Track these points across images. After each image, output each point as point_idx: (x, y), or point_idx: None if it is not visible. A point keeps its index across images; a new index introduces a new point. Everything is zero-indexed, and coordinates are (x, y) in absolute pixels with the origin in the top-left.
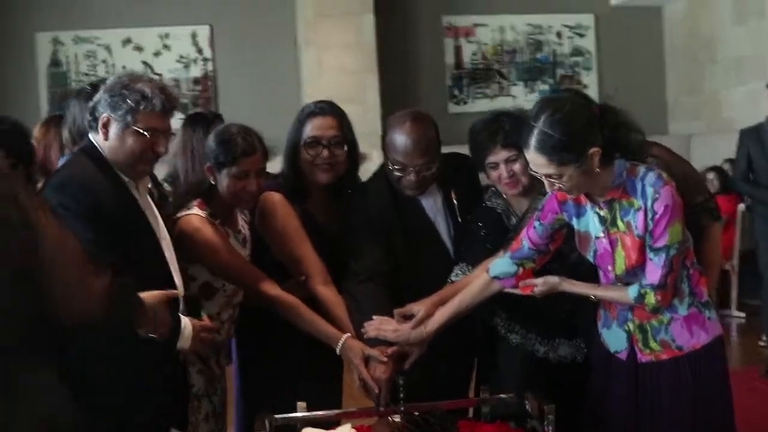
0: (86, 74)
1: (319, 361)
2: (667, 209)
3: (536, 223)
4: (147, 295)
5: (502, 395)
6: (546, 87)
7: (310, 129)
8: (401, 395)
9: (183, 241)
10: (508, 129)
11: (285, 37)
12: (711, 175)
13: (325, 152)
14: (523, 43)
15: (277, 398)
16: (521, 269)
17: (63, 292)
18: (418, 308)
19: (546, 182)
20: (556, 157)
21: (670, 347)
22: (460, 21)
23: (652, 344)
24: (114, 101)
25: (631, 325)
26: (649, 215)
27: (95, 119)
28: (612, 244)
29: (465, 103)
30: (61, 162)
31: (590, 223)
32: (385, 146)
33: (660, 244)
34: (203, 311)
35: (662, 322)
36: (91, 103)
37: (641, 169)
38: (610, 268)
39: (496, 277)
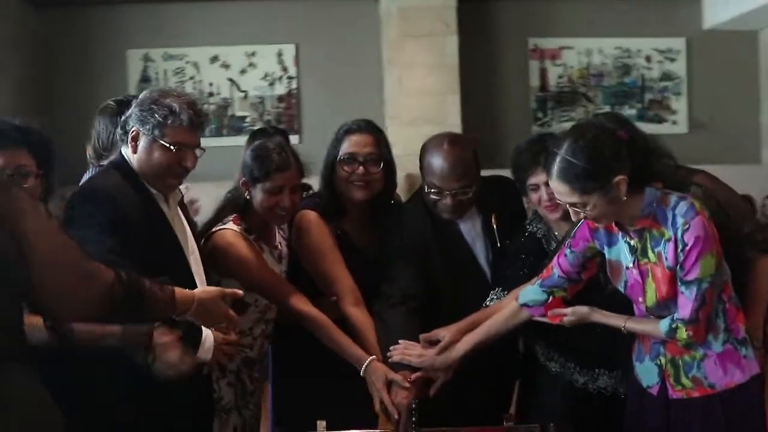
0: None
1: (352, 382)
2: (699, 240)
3: (567, 251)
4: (202, 291)
5: (522, 425)
6: (633, 111)
7: (347, 146)
8: (413, 419)
9: (216, 255)
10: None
11: (369, 57)
12: None
13: (361, 169)
14: (611, 67)
15: (307, 415)
16: (551, 297)
17: (55, 297)
18: (444, 334)
19: (571, 211)
20: (579, 185)
21: (702, 385)
22: (547, 43)
23: (684, 380)
24: (143, 115)
25: (663, 360)
26: (680, 246)
27: (126, 133)
28: (642, 275)
29: (549, 125)
30: (85, 177)
31: (621, 252)
32: (422, 169)
33: (691, 277)
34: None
35: (695, 358)
36: (123, 117)
37: (673, 197)
38: (641, 299)
39: (525, 305)
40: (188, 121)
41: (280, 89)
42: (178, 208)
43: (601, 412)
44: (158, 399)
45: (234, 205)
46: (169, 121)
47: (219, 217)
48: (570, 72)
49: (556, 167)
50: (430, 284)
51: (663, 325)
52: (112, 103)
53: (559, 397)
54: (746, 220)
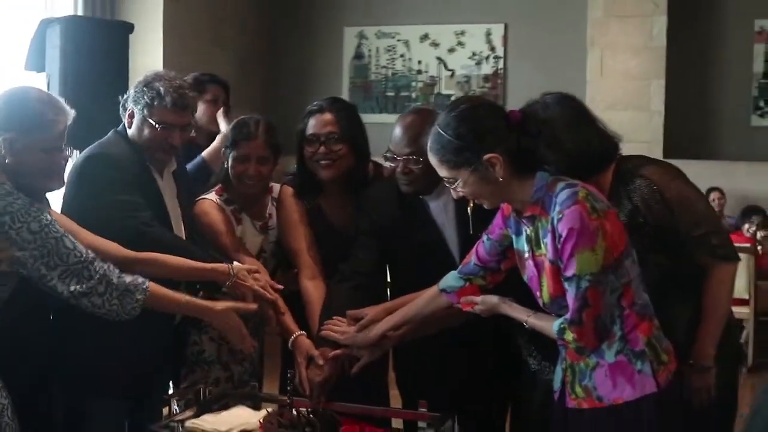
0: (385, 67)
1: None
2: (573, 233)
3: (485, 238)
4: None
5: (424, 410)
6: None
7: (309, 126)
8: (288, 388)
9: (195, 221)
10: None
11: (576, 38)
12: None
13: (322, 148)
14: None
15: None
16: (467, 284)
17: None
18: (370, 312)
19: (452, 190)
20: (446, 159)
21: (591, 396)
22: None
23: (578, 389)
24: (137, 96)
25: (564, 364)
26: (556, 237)
27: (125, 109)
28: (538, 267)
29: None
30: None
31: (523, 242)
32: None
33: (569, 273)
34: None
35: (588, 366)
36: (124, 96)
37: (561, 184)
38: (538, 294)
39: (443, 290)
40: (171, 103)
41: (487, 69)
42: (172, 178)
43: None
44: (127, 344)
45: (222, 177)
46: (155, 103)
47: (208, 186)
48: None
49: (430, 139)
50: (395, 264)
51: (555, 325)
52: (188, 79)
53: (535, 394)
54: (700, 221)
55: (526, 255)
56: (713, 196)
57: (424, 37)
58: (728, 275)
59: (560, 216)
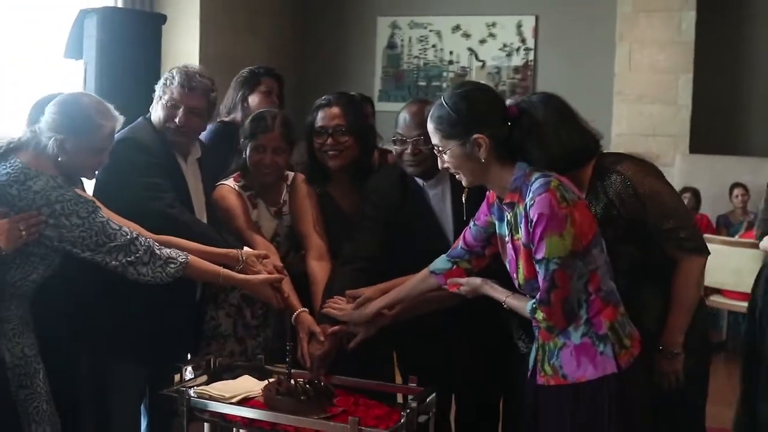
0: (416, 57)
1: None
2: (542, 218)
3: (472, 224)
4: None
5: (413, 385)
6: None
7: (318, 119)
8: (287, 358)
9: (213, 204)
10: None
11: (605, 32)
12: None
13: (330, 140)
14: None
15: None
16: (454, 267)
17: None
18: (366, 291)
19: (438, 159)
20: (441, 128)
21: (557, 374)
22: None
23: (546, 367)
24: (160, 83)
25: (537, 344)
26: (529, 222)
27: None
28: (516, 251)
29: None
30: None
31: (504, 227)
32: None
33: (539, 255)
34: None
35: (557, 346)
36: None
37: (536, 174)
38: (515, 276)
39: (432, 272)
40: (179, 83)
41: (517, 60)
42: (196, 164)
43: None
44: (150, 315)
45: (240, 165)
46: (167, 83)
47: (227, 173)
48: None
49: (433, 107)
50: (394, 247)
51: (528, 305)
52: (245, 72)
53: (523, 377)
54: (669, 215)
55: (507, 239)
56: (737, 192)
57: (456, 27)
58: (696, 267)
59: (532, 202)
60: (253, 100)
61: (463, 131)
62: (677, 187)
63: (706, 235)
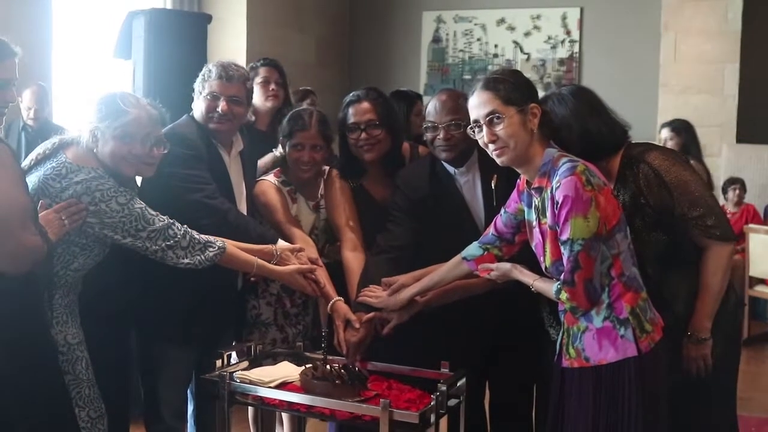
0: (462, 50)
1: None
2: (567, 200)
3: (503, 212)
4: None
5: (446, 371)
6: None
7: (350, 116)
8: (323, 344)
9: (254, 199)
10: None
11: (650, 22)
12: None
13: (363, 135)
14: None
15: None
16: (486, 253)
17: None
18: (401, 279)
19: (485, 131)
20: (502, 93)
21: (580, 357)
22: None
23: (570, 350)
24: (198, 80)
25: (563, 328)
26: (555, 204)
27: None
28: (543, 234)
29: None
30: None
31: (532, 212)
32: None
33: (564, 237)
34: None
35: (580, 330)
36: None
37: (564, 159)
38: (542, 259)
39: (464, 258)
40: (217, 75)
41: (562, 53)
42: (239, 157)
43: None
44: (196, 302)
45: (280, 161)
46: (205, 77)
47: (269, 169)
48: None
49: (482, 82)
50: (426, 235)
51: (554, 287)
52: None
53: (553, 364)
54: (696, 203)
55: (534, 224)
56: None
57: (501, 21)
58: (724, 254)
59: (558, 185)
60: (254, 91)
61: (522, 98)
62: (724, 177)
63: (753, 225)
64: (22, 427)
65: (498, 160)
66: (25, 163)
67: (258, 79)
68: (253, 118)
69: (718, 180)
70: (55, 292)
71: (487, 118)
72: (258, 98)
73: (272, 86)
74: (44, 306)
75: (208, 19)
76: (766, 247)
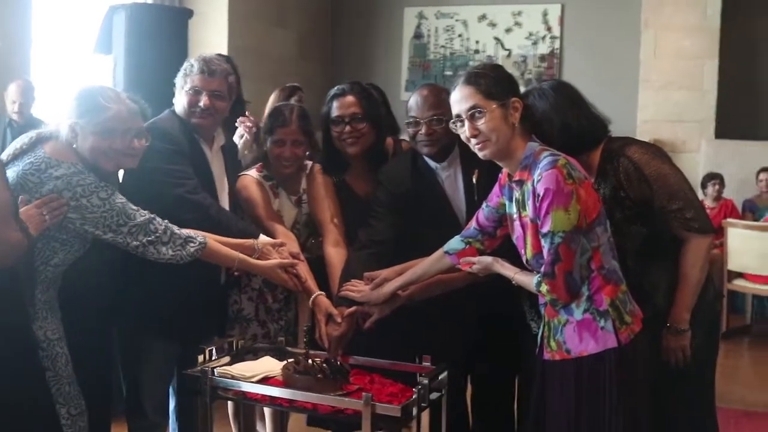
0: (443, 46)
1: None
2: (549, 192)
3: (484, 205)
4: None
5: (427, 364)
6: None
7: (334, 109)
8: (305, 339)
9: (236, 194)
10: None
11: (630, 19)
12: None
13: (348, 128)
14: None
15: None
16: (467, 247)
17: None
18: (382, 273)
19: (467, 126)
20: (484, 88)
21: (561, 349)
22: None
23: (552, 343)
24: (179, 74)
25: (543, 321)
26: (536, 197)
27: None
28: (524, 227)
29: None
30: None
31: (513, 206)
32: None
33: (544, 229)
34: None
35: (560, 323)
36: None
37: (545, 152)
38: (523, 252)
39: (446, 252)
40: (199, 69)
41: (543, 49)
42: (221, 152)
43: None
44: (179, 296)
45: (261, 156)
46: (187, 71)
47: (251, 164)
48: None
49: (463, 76)
50: (408, 230)
51: (534, 279)
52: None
53: (534, 357)
54: (675, 196)
55: (515, 217)
56: (762, 176)
57: (482, 17)
58: (702, 246)
59: (539, 178)
60: None
61: (503, 93)
62: (703, 172)
63: (731, 220)
64: (3, 424)
65: (480, 154)
66: (2, 157)
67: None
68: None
69: (698, 175)
70: (35, 287)
71: (469, 113)
72: None
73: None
74: (26, 302)
75: (189, 14)
76: (744, 241)
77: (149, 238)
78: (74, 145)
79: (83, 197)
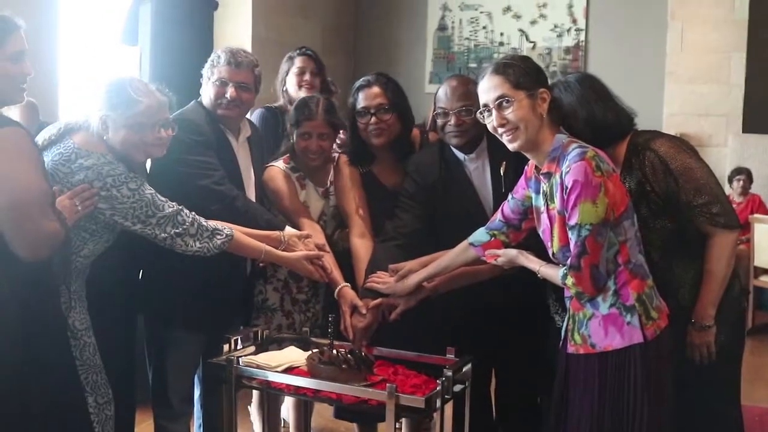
0: (467, 39)
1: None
2: (576, 184)
3: (510, 197)
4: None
5: (458, 358)
6: None
7: (360, 100)
8: (329, 331)
9: (263, 185)
10: None
11: (657, 11)
12: None
13: (373, 119)
14: None
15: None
16: (493, 239)
17: (14, 230)
18: (408, 265)
19: (495, 115)
20: (513, 77)
21: (586, 343)
22: None
23: (576, 336)
24: (207, 65)
25: (568, 314)
26: (564, 189)
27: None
28: (551, 220)
29: None
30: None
31: (540, 198)
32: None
33: (572, 221)
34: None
35: (586, 316)
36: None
37: (574, 145)
38: (549, 244)
39: (471, 244)
40: (225, 61)
41: (568, 41)
42: (247, 143)
43: None
44: (205, 287)
45: (289, 148)
46: (214, 63)
47: (278, 155)
48: None
49: (491, 66)
50: (435, 221)
51: (560, 272)
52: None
53: (558, 351)
54: (701, 191)
55: (542, 209)
56: None
57: (507, 9)
58: (728, 242)
59: (568, 170)
60: (290, 81)
61: (532, 83)
62: (729, 167)
63: (758, 215)
64: (35, 414)
65: (509, 145)
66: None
67: (294, 69)
68: (289, 106)
69: (724, 170)
70: (70, 278)
71: (497, 102)
72: (292, 88)
73: (306, 76)
74: (61, 293)
75: (215, 5)
76: None
77: (177, 230)
78: (105, 137)
79: (113, 187)
